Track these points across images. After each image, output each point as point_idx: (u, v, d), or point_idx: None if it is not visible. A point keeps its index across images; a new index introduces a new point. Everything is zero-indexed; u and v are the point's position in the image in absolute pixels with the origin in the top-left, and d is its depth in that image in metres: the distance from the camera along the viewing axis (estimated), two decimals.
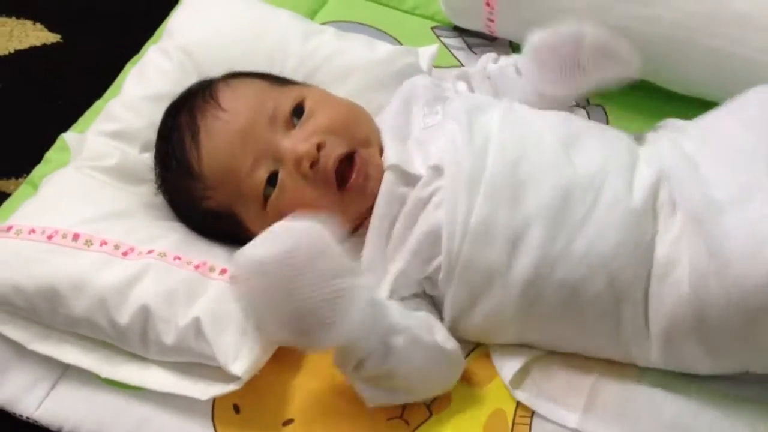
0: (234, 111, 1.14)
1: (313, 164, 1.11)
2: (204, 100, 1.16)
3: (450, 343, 1.09)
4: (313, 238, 0.98)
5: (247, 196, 1.14)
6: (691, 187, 1.07)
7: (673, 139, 1.14)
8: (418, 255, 1.10)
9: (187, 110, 1.17)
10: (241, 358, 1.07)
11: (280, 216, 1.10)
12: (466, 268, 1.08)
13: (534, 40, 1.20)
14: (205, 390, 1.09)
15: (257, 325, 1.04)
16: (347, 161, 1.13)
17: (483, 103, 1.19)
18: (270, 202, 1.13)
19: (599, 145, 1.14)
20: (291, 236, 0.98)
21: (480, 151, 1.11)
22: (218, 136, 1.14)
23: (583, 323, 1.09)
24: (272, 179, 1.13)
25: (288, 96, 1.16)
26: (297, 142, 1.12)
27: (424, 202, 1.11)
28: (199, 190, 1.16)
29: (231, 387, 1.08)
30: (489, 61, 1.30)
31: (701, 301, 1.02)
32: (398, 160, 1.14)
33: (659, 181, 1.09)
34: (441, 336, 1.09)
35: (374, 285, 1.08)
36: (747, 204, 1.02)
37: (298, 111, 1.15)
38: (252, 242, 0.99)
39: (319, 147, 1.11)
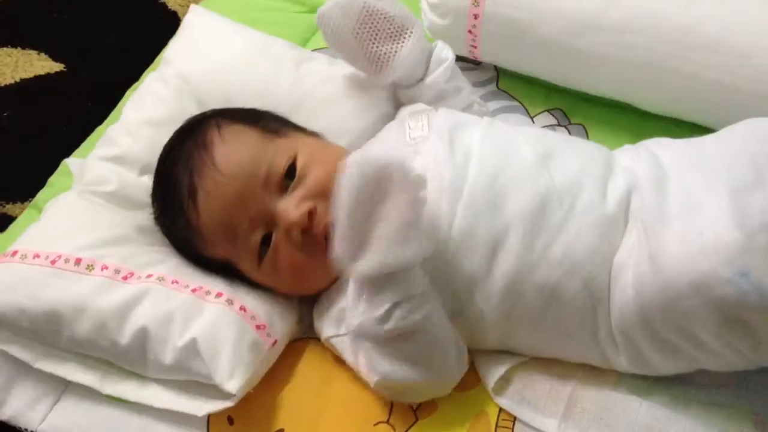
0: (229, 174, 1.14)
1: (305, 231, 1.13)
2: (200, 156, 1.16)
3: (460, 341, 1.14)
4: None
5: (242, 253, 1.16)
6: (651, 198, 1.09)
7: (654, 152, 1.16)
8: None
9: (183, 162, 1.17)
10: (235, 377, 1.10)
11: (274, 271, 1.15)
12: (449, 274, 1.11)
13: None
14: (201, 407, 1.12)
15: (343, 221, 1.04)
16: None
17: (465, 120, 1.22)
18: (264, 261, 1.15)
19: (576, 155, 1.17)
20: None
21: (461, 165, 1.14)
22: (215, 199, 1.14)
23: (563, 327, 1.12)
24: (266, 238, 1.15)
25: (281, 154, 1.16)
26: (289, 208, 1.14)
27: None
28: (197, 242, 1.18)
29: (226, 404, 1.11)
30: None
31: (642, 304, 1.06)
32: None
33: (631, 190, 1.12)
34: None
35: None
36: (689, 218, 1.04)
37: (290, 172, 1.16)
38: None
39: (311, 214, 1.12)
